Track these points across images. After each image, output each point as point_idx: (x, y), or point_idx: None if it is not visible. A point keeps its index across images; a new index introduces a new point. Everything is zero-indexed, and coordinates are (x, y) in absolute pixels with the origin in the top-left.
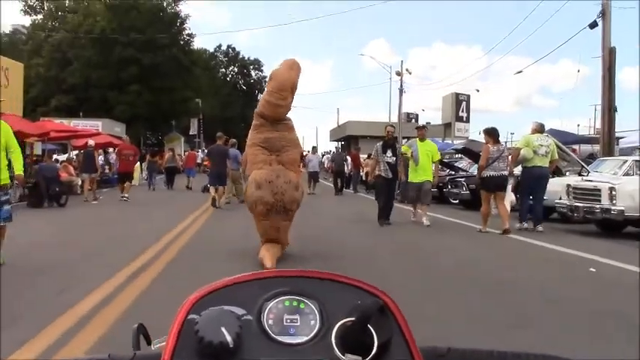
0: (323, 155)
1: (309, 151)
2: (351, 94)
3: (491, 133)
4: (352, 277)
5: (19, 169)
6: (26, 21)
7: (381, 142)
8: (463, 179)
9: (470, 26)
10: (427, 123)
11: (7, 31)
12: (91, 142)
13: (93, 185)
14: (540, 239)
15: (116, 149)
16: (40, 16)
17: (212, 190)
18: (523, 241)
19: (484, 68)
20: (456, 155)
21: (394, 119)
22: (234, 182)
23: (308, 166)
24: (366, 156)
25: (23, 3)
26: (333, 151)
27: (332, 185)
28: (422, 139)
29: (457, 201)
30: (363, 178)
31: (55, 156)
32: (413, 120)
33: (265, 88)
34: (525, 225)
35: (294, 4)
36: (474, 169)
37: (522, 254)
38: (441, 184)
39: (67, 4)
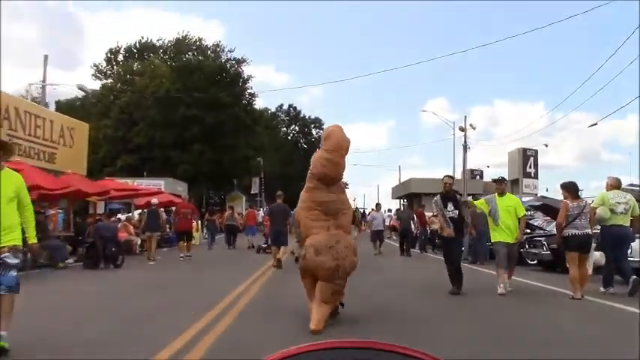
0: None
1: (372, 209)
2: (412, 151)
3: (570, 188)
4: (416, 348)
5: (31, 237)
6: (96, 85)
7: (439, 196)
8: (543, 238)
9: (532, 83)
10: (501, 178)
11: (75, 94)
12: (154, 200)
13: (154, 244)
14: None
15: (175, 208)
16: (109, 80)
17: (274, 250)
18: (628, 312)
19: (549, 124)
20: (529, 212)
21: (458, 176)
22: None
23: (372, 224)
24: (431, 214)
25: (95, 69)
26: (399, 208)
27: (396, 245)
28: (501, 194)
29: (535, 262)
30: (429, 237)
31: (119, 215)
32: (477, 177)
33: (321, 148)
34: (611, 290)
35: (350, 62)
36: (551, 228)
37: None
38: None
39: (135, 68)
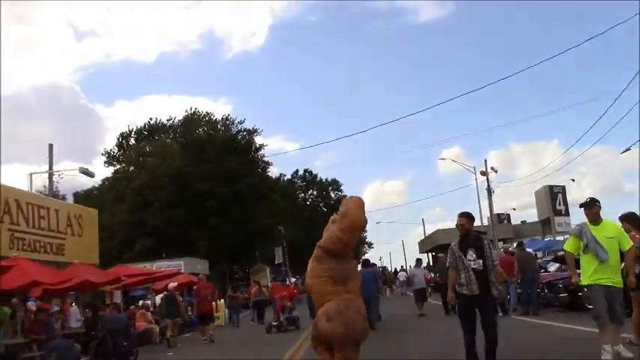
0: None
1: (410, 266)
2: (434, 203)
3: (632, 219)
4: None
5: None
6: (108, 172)
7: (455, 242)
8: None
9: (544, 121)
10: (522, 222)
11: (92, 184)
12: (171, 285)
13: (174, 330)
14: None
15: (194, 289)
16: (122, 165)
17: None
18: None
19: (571, 161)
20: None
21: (485, 222)
22: None
23: (413, 282)
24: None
25: (106, 155)
26: (429, 263)
27: (436, 302)
28: (594, 221)
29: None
30: None
31: (141, 302)
32: (505, 221)
33: (334, 221)
34: None
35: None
36: None
37: None
38: (571, 288)
39: (146, 149)
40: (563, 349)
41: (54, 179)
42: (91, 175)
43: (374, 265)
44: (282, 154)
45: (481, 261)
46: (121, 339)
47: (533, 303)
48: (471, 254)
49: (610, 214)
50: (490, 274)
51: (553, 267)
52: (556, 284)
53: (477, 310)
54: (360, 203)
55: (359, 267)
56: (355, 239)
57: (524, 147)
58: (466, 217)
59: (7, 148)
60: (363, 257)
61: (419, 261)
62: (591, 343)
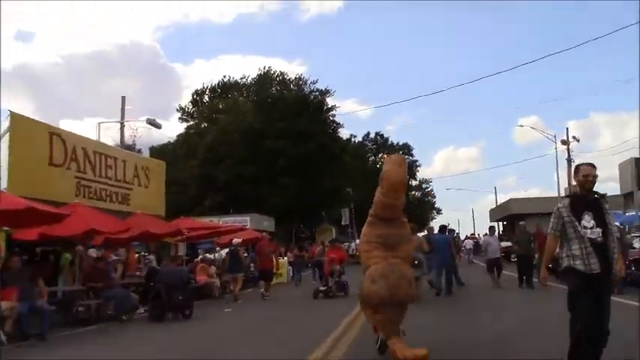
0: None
1: (486, 234)
2: (506, 172)
3: None
4: None
5: None
6: (183, 128)
7: (566, 201)
8: None
9: (629, 89)
10: (604, 194)
11: (167, 139)
12: (236, 240)
13: (237, 285)
14: None
15: (256, 247)
16: (195, 121)
17: None
18: None
19: None
20: None
21: (562, 193)
22: None
23: (487, 251)
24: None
25: (181, 111)
26: (517, 230)
27: (511, 274)
28: None
29: None
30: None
31: (201, 256)
32: None
33: (379, 188)
34: None
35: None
36: None
37: None
38: None
39: (220, 107)
40: None
41: (130, 134)
42: (157, 126)
43: (452, 230)
44: (353, 112)
45: (600, 230)
46: (177, 293)
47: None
48: (588, 219)
49: None
50: (611, 248)
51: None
52: None
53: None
54: (397, 161)
55: (435, 231)
56: (399, 200)
57: (606, 117)
58: (595, 168)
59: (89, 102)
60: (440, 224)
61: (492, 229)
62: None
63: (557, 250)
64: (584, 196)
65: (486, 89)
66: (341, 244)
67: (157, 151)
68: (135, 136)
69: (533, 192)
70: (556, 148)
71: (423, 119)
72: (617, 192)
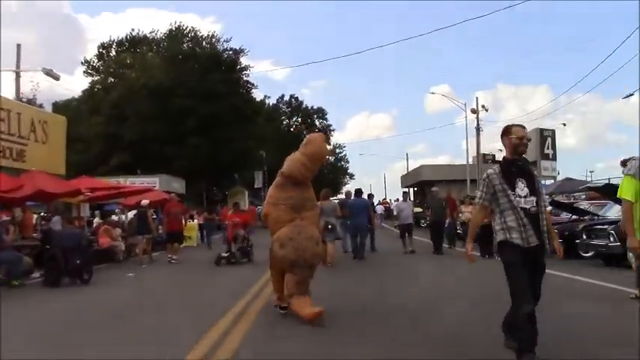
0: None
1: (398, 199)
2: (417, 140)
3: None
4: None
5: None
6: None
7: (497, 167)
8: (610, 227)
9: (535, 66)
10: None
11: (72, 95)
12: (145, 201)
13: (148, 247)
14: None
15: (164, 208)
16: (100, 76)
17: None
18: None
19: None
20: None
21: (470, 161)
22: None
23: (400, 217)
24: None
25: (86, 65)
26: (429, 196)
27: (424, 240)
28: None
29: (590, 254)
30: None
31: (114, 217)
32: (490, 161)
33: (300, 150)
34: None
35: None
36: (610, 213)
37: None
38: (567, 234)
39: (127, 61)
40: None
41: (30, 87)
42: (55, 77)
43: (371, 195)
44: (268, 72)
45: (534, 199)
46: (74, 256)
47: None
48: (522, 187)
49: (591, 164)
50: (542, 219)
51: (582, 204)
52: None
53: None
54: (324, 137)
55: (352, 197)
56: (317, 167)
57: (512, 89)
58: (523, 128)
59: None
60: (356, 188)
61: (406, 194)
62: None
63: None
64: (515, 161)
65: (400, 57)
66: (255, 207)
67: (61, 107)
68: (36, 89)
69: (443, 159)
70: (466, 117)
71: (338, 85)
72: None
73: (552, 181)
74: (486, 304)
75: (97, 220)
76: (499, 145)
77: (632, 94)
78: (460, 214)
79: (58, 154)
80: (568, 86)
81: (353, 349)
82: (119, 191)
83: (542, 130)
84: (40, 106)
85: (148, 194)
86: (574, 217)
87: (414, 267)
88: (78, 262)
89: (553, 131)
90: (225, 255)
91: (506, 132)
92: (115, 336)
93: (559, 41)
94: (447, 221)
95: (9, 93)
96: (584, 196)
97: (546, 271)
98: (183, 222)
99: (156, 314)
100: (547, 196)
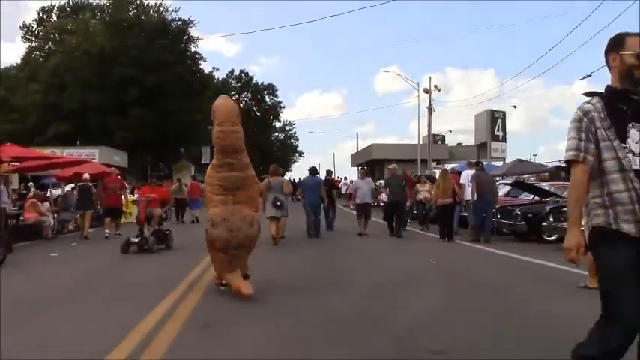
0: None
1: (356, 178)
2: (366, 120)
3: None
4: None
5: None
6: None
7: (595, 100)
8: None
9: (482, 51)
10: (458, 144)
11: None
12: (86, 175)
13: (89, 223)
14: None
15: (102, 182)
16: (39, 42)
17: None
18: None
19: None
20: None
21: (420, 141)
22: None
23: (356, 195)
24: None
25: (25, 30)
26: (387, 174)
27: (379, 221)
28: None
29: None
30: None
31: (51, 190)
32: (440, 142)
33: (215, 124)
34: None
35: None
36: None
37: None
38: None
39: (69, 27)
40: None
41: None
42: None
43: (330, 172)
44: (217, 38)
45: None
46: None
47: (486, 229)
48: (636, 137)
49: (534, 148)
50: None
51: (501, 191)
52: (512, 211)
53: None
54: (225, 98)
55: (305, 175)
56: (236, 127)
57: (460, 73)
58: None
59: None
60: (310, 166)
61: (363, 172)
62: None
63: None
64: (627, 93)
65: (351, 36)
66: (198, 183)
67: (4, 79)
68: None
69: (391, 140)
70: (418, 96)
71: (289, 62)
72: (469, 143)
73: (501, 163)
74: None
75: (31, 194)
76: (448, 126)
77: (589, 75)
78: (417, 194)
79: None
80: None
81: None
82: (50, 162)
83: (493, 112)
84: None
85: (83, 166)
86: (536, 198)
87: (369, 247)
88: None
89: (504, 113)
90: (135, 240)
91: (617, 45)
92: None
93: (507, 26)
94: (408, 202)
95: None
96: (533, 179)
97: (509, 253)
98: (123, 198)
99: (64, 307)
100: (508, 178)
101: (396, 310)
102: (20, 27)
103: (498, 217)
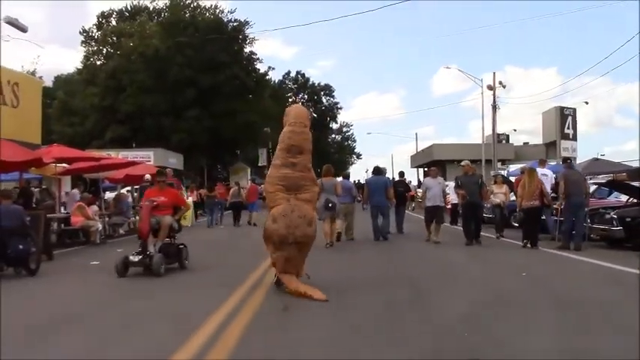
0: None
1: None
2: (425, 122)
3: None
4: None
5: None
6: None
7: None
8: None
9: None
10: (524, 143)
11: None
12: (148, 176)
13: None
14: None
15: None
16: (98, 46)
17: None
18: None
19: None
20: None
21: (485, 141)
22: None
23: (426, 196)
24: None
25: (85, 35)
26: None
27: (454, 227)
28: None
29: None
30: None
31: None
32: (504, 141)
33: (286, 125)
34: None
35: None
36: None
37: None
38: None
39: (126, 30)
40: None
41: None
42: (23, 29)
43: (402, 174)
44: (270, 30)
45: None
46: (15, 241)
47: (578, 235)
48: None
49: (600, 148)
50: None
51: None
52: (605, 214)
53: None
54: (297, 105)
55: (369, 175)
56: (306, 129)
57: (521, 71)
58: None
59: None
60: (375, 166)
61: (433, 171)
62: None
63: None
64: None
65: (407, 39)
66: (256, 185)
67: (63, 82)
68: (36, 62)
69: (450, 141)
70: (482, 92)
71: (346, 65)
72: (539, 141)
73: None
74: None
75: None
76: (513, 125)
77: None
78: (492, 196)
79: (33, 121)
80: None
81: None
82: (97, 163)
83: (562, 109)
84: (40, 78)
85: (136, 167)
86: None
87: (443, 254)
88: (21, 247)
89: (574, 110)
90: (135, 259)
91: None
92: None
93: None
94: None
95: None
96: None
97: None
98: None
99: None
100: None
101: (501, 347)
102: (80, 32)
103: (588, 221)
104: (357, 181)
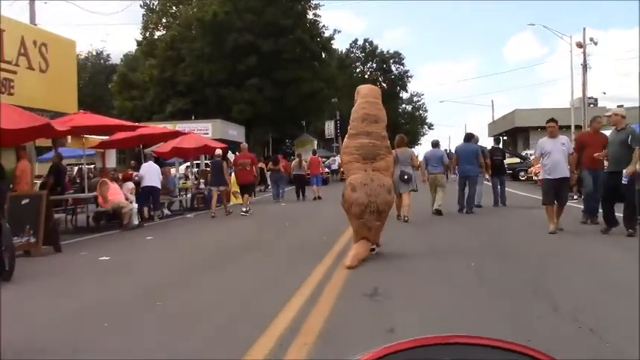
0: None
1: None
2: (498, 89)
3: None
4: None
5: None
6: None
7: None
8: None
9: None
10: (618, 106)
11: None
12: (218, 151)
13: (224, 198)
14: None
15: (233, 159)
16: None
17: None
18: None
19: None
20: None
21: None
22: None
23: (543, 163)
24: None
25: (146, 7)
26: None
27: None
28: None
29: None
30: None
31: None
32: (592, 105)
33: (357, 101)
34: None
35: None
36: None
37: None
38: None
39: None
40: None
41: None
42: None
43: (498, 141)
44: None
45: None
46: None
47: None
48: None
49: None
50: None
51: None
52: None
53: None
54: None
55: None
56: (378, 100)
57: (601, 33)
58: None
59: None
60: (467, 132)
61: (553, 127)
62: None
63: None
64: None
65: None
66: (319, 158)
67: (132, 60)
68: (105, 40)
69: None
70: (571, 50)
71: (415, 33)
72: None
73: None
74: None
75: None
76: (602, 87)
77: None
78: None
79: (66, 88)
80: None
81: None
82: (134, 134)
83: None
84: (108, 56)
85: (183, 138)
86: None
87: (565, 245)
88: None
89: None
90: None
91: None
92: None
93: None
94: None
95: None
96: None
97: None
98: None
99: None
100: None
101: None
102: (140, 5)
103: None
104: (447, 150)
